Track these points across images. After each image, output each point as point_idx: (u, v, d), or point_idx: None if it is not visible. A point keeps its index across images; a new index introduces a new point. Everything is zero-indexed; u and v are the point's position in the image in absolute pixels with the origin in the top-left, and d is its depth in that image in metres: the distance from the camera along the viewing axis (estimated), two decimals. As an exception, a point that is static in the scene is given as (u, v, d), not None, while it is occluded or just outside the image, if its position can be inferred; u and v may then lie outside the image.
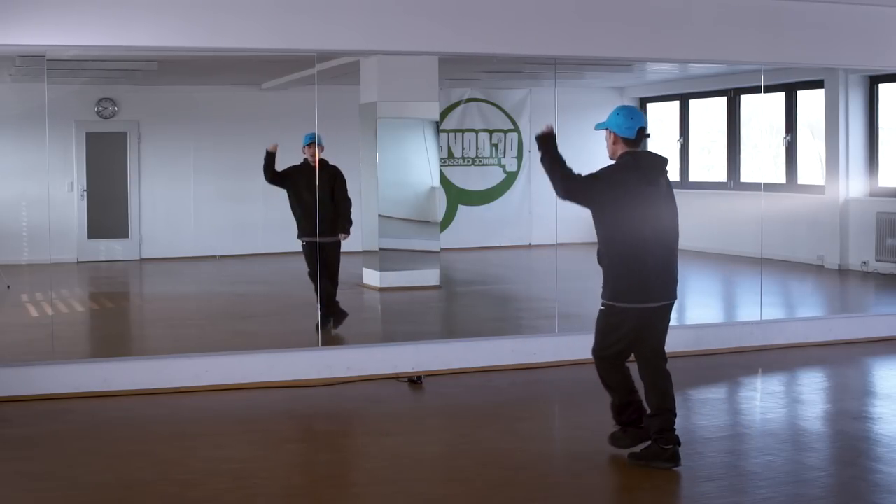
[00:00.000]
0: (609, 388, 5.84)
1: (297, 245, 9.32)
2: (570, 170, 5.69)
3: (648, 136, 5.77)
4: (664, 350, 5.83)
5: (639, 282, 5.59)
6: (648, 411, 5.77)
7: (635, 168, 5.63)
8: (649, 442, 5.72)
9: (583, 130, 13.85)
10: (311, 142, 9.18)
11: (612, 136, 5.70)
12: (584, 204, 5.67)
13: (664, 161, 5.78)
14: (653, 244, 5.60)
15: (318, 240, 8.97)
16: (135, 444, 6.31)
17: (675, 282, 5.74)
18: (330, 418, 6.98)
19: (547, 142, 5.77)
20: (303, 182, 9.16)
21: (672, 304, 5.76)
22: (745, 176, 13.82)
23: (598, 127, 5.78)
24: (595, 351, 5.82)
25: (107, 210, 13.01)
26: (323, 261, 9.15)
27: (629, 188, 5.57)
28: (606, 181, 5.61)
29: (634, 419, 5.83)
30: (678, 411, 6.06)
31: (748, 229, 10.48)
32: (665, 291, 5.67)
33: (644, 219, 5.58)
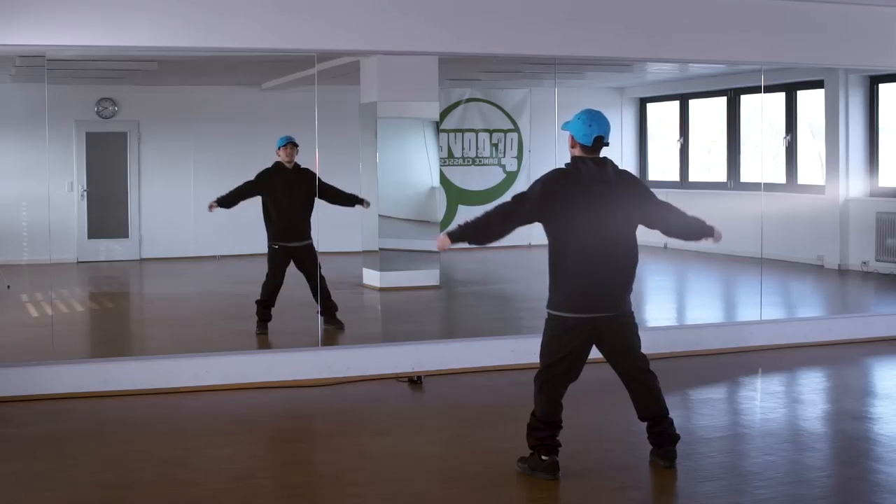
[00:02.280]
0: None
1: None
2: (481, 218, 5.54)
3: (607, 144, 5.52)
4: (646, 359, 5.68)
5: (579, 291, 5.45)
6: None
7: (575, 176, 5.45)
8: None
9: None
10: (287, 143, 9.15)
11: (571, 139, 5.56)
12: (524, 223, 5.53)
13: (607, 167, 5.49)
14: (593, 253, 5.41)
15: (299, 244, 9.09)
16: (135, 444, 6.31)
17: (621, 294, 5.52)
18: (330, 418, 6.98)
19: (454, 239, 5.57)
20: (280, 185, 9.12)
21: (621, 317, 5.53)
22: (745, 176, 13.82)
23: (564, 128, 5.63)
24: (540, 372, 5.59)
25: (107, 210, 13.01)
26: (300, 266, 9.15)
27: (567, 196, 5.41)
28: (538, 195, 5.45)
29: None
30: (679, 411, 6.05)
31: (748, 229, 10.47)
32: (604, 303, 5.47)
33: (582, 227, 5.41)
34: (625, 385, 5.68)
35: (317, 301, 9.07)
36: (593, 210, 5.43)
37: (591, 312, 5.46)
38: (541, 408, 5.58)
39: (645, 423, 5.70)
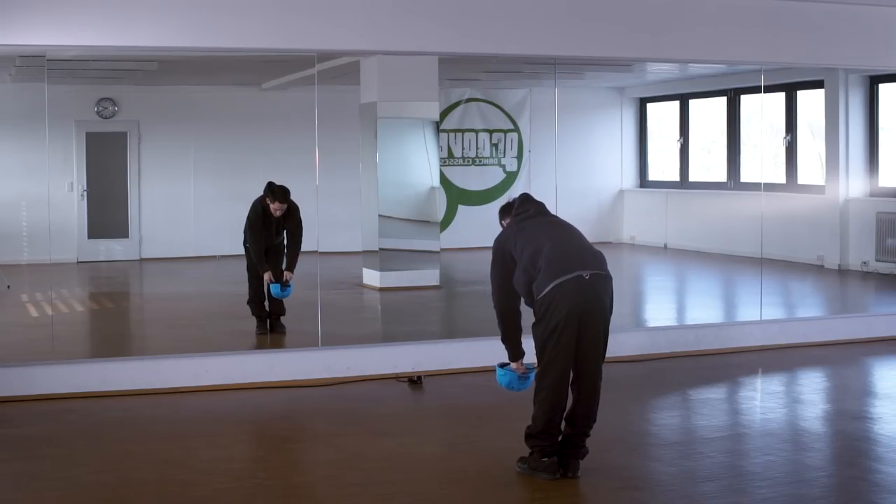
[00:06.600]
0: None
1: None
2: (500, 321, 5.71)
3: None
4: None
5: (558, 260, 5.42)
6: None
7: (524, 216, 5.65)
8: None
9: (583, 130, 13.95)
10: (276, 200, 8.87)
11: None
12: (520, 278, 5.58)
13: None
14: (563, 242, 5.53)
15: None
16: (135, 444, 6.31)
17: (594, 256, 5.53)
18: (330, 418, 6.98)
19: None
20: (266, 226, 8.97)
21: (605, 280, 5.49)
22: (745, 176, 13.82)
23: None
24: (540, 378, 5.51)
25: (107, 210, 13.01)
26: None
27: (524, 231, 5.58)
28: (503, 251, 5.63)
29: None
30: (679, 411, 6.03)
31: (748, 229, 10.46)
32: (585, 263, 5.44)
33: (547, 234, 5.55)
34: (572, 384, 5.55)
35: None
36: (552, 225, 5.61)
37: (577, 270, 5.37)
38: (544, 422, 5.47)
39: (567, 430, 5.55)
